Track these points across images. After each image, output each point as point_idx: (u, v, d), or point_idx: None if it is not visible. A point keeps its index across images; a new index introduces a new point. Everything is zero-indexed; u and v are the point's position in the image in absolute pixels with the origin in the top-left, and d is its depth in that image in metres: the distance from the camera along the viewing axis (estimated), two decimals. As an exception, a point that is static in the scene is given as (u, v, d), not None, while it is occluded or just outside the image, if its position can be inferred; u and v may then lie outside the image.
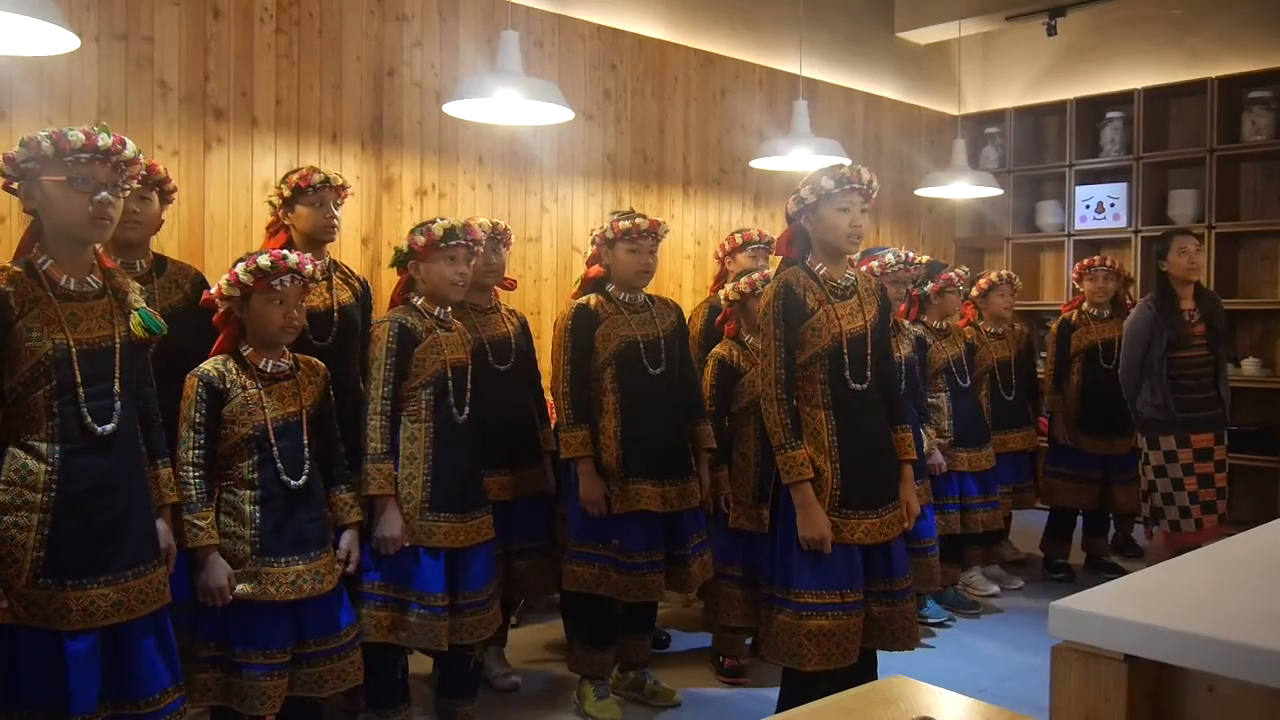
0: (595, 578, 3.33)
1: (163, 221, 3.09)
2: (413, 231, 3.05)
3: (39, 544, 2.17)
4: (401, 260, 3.09)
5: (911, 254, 4.30)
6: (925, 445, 4.21)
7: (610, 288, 3.45)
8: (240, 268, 2.63)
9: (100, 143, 2.23)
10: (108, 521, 2.24)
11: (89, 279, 2.32)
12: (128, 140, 2.30)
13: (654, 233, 3.41)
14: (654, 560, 3.33)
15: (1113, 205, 6.61)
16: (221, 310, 2.67)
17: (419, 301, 3.07)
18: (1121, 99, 6.57)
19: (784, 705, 2.97)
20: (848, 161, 3.18)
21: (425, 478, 2.95)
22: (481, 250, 3.14)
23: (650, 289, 3.55)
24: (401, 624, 2.90)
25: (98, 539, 2.23)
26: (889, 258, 4.10)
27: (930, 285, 4.63)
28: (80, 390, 2.23)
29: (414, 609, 2.90)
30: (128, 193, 2.38)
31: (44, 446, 2.20)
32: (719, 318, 3.89)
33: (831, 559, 2.82)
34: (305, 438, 2.68)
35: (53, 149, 2.20)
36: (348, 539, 2.77)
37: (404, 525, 2.90)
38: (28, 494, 2.18)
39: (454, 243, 3.02)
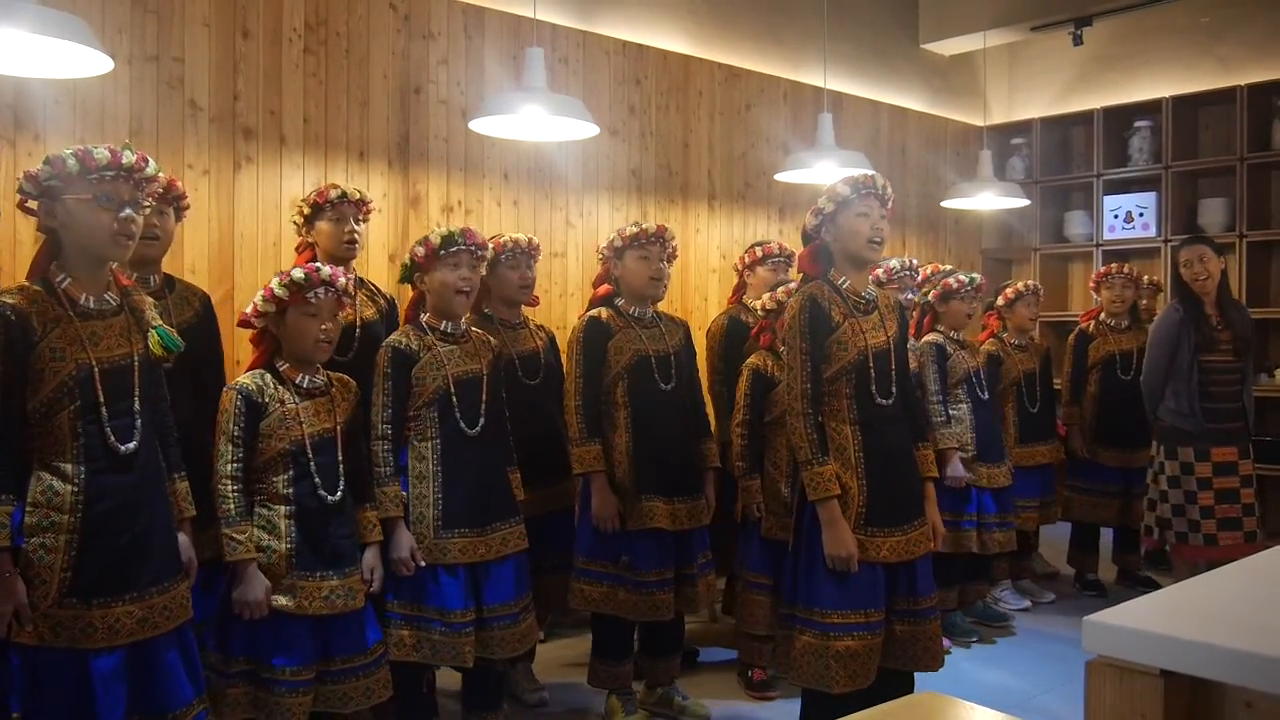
0: (603, 596, 3.31)
1: (172, 238, 3.09)
2: (414, 245, 3.03)
3: (66, 565, 2.15)
4: (407, 275, 3.07)
5: (915, 260, 4.28)
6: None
7: (620, 302, 3.44)
8: (275, 282, 2.66)
9: (124, 160, 2.22)
10: (132, 540, 2.24)
11: (106, 296, 2.30)
12: (150, 158, 2.30)
13: (662, 237, 3.40)
14: (664, 579, 3.31)
15: (1141, 215, 6.55)
16: (258, 328, 2.69)
17: (424, 318, 3.04)
18: (1150, 108, 6.51)
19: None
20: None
21: (435, 496, 2.93)
22: (486, 257, 3.12)
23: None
24: (425, 642, 2.88)
25: (123, 557, 2.22)
26: (893, 263, 4.08)
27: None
28: (103, 410, 2.21)
29: (436, 627, 2.88)
30: (147, 210, 2.37)
31: (69, 468, 2.18)
32: (754, 329, 3.88)
33: (857, 578, 2.78)
34: (340, 453, 2.70)
35: (78, 167, 2.18)
36: (370, 556, 2.77)
37: (415, 546, 2.88)
38: (54, 515, 2.16)
39: (454, 248, 2.97)
